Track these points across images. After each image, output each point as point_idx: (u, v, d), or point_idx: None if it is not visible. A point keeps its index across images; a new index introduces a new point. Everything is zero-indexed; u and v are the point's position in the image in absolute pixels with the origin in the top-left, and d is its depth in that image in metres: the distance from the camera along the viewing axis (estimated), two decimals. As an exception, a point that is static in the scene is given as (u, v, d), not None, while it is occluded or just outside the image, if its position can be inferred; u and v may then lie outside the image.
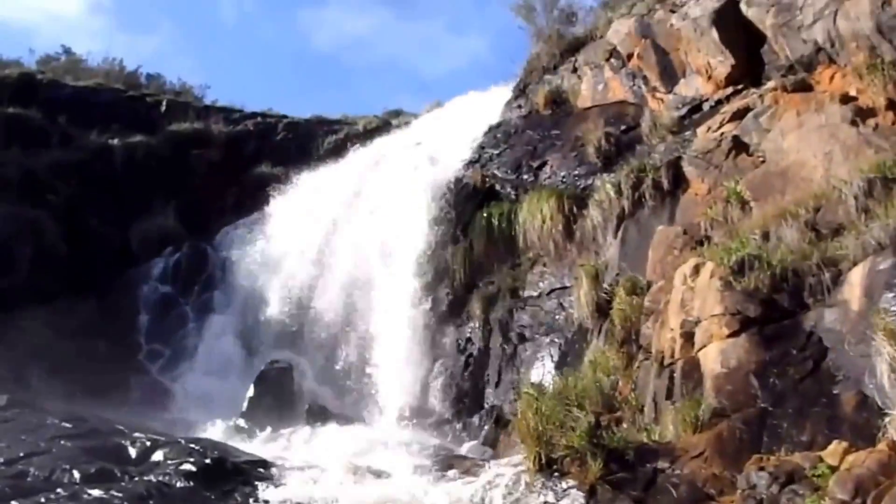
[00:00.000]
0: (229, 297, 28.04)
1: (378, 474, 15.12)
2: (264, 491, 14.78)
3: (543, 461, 12.51)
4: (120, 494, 14.16)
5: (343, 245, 25.61)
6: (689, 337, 13.26)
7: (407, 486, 14.30)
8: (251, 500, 14.40)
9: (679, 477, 11.65)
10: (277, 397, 22.29)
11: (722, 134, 17.56)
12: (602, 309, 17.57)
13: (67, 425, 17.44)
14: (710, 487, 11.34)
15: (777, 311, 12.55)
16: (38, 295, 26.27)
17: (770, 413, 11.76)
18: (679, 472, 11.74)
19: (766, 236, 13.88)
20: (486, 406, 20.62)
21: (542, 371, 19.44)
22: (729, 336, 12.65)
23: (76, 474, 15.03)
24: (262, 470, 15.69)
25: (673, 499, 11.34)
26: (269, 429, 20.68)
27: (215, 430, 20.68)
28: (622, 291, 16.47)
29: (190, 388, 24.82)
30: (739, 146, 17.10)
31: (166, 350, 27.03)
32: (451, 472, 14.56)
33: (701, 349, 12.98)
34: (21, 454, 15.78)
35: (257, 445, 19.14)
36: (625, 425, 13.98)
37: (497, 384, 20.77)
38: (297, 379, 23.33)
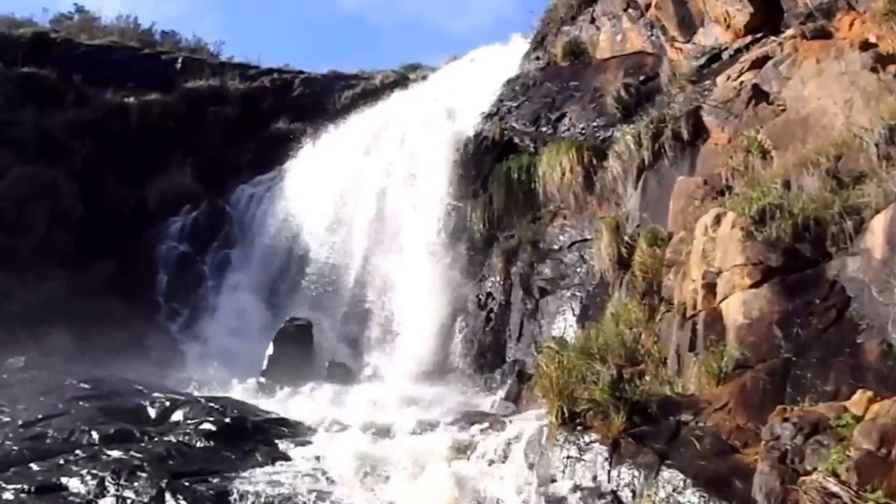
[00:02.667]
0: (248, 254, 27.95)
1: (399, 432, 15.07)
2: (285, 449, 14.74)
3: (566, 415, 12.40)
4: (139, 455, 14.13)
5: (362, 203, 25.46)
6: (710, 288, 13.11)
7: (427, 444, 14.24)
8: (271, 459, 14.35)
9: (703, 429, 11.53)
10: (297, 355, 22.26)
11: (742, 83, 17.33)
12: (623, 261, 17.43)
13: (86, 386, 17.42)
14: (734, 439, 11.22)
15: (799, 260, 12.37)
16: (56, 255, 26.33)
17: (793, 363, 11.60)
18: (702, 425, 11.62)
19: (787, 185, 13.64)
20: (507, 361, 20.55)
21: (564, 325, 19.35)
22: (751, 286, 12.47)
23: (95, 435, 15.03)
24: (282, 429, 15.67)
25: (696, 451, 11.21)
26: (288, 387, 20.66)
27: (235, 389, 20.66)
28: (643, 243, 16.33)
29: (209, 347, 24.76)
30: (759, 95, 16.85)
31: (185, 309, 27.06)
32: (473, 429, 14.50)
33: (723, 300, 12.83)
34: (40, 416, 15.79)
35: (277, 403, 19.14)
36: (647, 378, 13.87)
37: (518, 338, 20.71)
38: (316, 336, 23.32)
